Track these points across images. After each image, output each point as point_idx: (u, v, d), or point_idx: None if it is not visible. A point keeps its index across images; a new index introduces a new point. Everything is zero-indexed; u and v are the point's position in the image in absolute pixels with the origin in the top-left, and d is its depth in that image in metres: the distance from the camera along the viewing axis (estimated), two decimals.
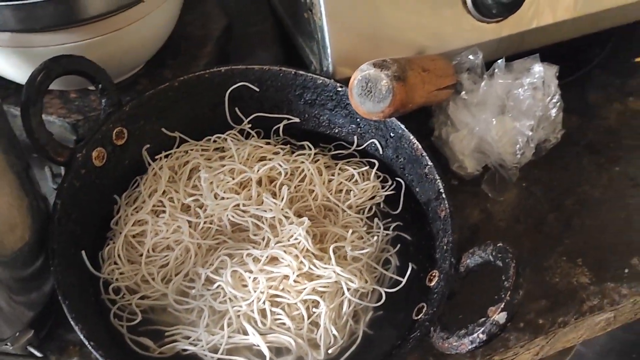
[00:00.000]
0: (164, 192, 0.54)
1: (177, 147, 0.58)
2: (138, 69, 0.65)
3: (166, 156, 0.57)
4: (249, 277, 0.49)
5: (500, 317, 0.42)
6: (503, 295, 0.42)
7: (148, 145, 0.57)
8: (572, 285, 0.56)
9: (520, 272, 0.43)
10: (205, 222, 0.52)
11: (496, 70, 0.61)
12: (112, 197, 0.54)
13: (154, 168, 0.56)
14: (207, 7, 0.72)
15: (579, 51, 0.73)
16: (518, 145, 0.61)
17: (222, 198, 0.53)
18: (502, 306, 0.42)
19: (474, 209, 0.62)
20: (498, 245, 0.46)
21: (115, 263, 0.50)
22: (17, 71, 0.56)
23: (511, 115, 0.61)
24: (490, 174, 0.63)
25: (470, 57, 0.62)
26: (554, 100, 0.61)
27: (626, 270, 0.57)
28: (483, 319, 0.43)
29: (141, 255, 0.51)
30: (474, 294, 0.48)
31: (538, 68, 0.61)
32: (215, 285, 0.49)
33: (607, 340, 1.20)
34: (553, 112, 0.62)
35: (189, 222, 0.52)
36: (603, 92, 0.72)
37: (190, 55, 0.67)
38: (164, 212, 0.53)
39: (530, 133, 0.61)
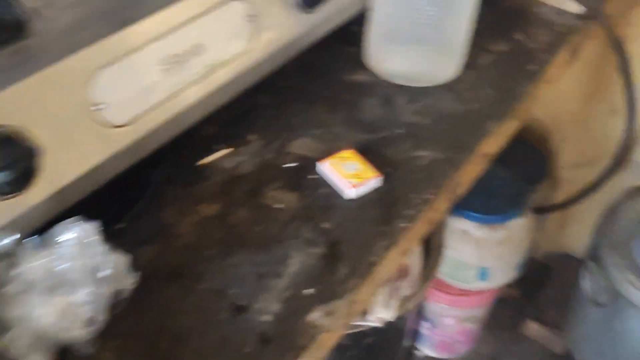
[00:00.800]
0: None
1: None
2: None
3: None
4: None
5: None
6: None
7: None
8: None
9: None
10: None
11: (29, 250, 0.56)
12: None
13: None
14: None
15: (136, 177, 0.72)
16: (84, 318, 0.56)
17: None
18: None
19: None
20: None
21: None
22: None
23: (62, 291, 0.56)
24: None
25: (3, 242, 0.55)
26: (104, 255, 0.58)
27: None
28: None
29: None
30: None
31: (72, 234, 0.57)
32: None
33: None
34: (109, 266, 0.58)
35: None
36: (175, 207, 0.71)
37: None
38: None
39: (91, 299, 0.57)
